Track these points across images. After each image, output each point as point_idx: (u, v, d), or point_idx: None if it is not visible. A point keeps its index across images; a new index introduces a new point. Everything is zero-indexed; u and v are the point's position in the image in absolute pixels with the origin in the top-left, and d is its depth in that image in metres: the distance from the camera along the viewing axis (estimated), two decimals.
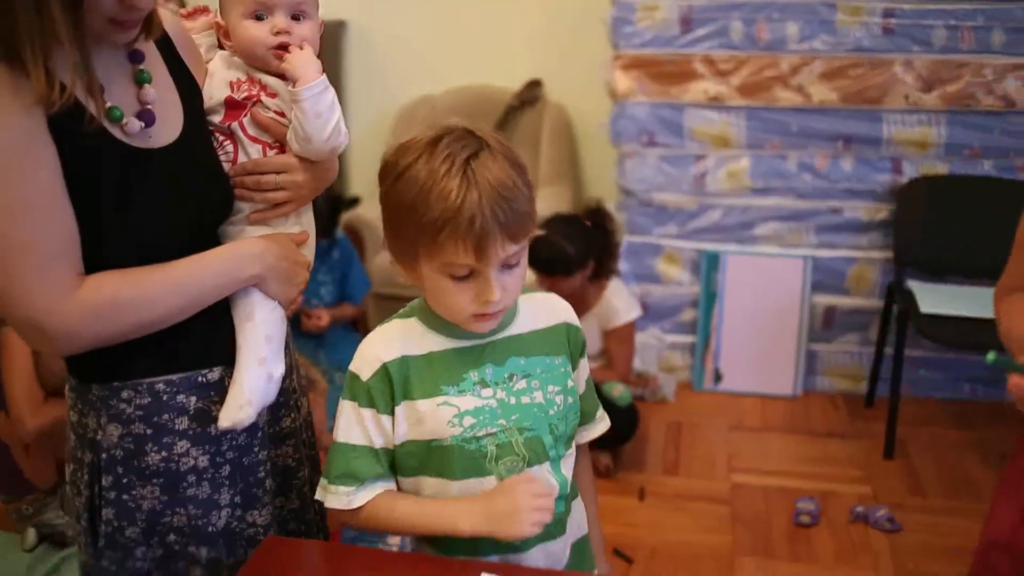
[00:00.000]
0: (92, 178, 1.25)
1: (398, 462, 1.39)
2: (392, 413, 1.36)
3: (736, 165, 3.86)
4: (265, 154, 1.45)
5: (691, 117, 3.83)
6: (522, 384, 1.38)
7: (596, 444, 3.29)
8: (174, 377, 1.39)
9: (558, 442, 1.41)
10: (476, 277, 1.28)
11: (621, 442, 3.39)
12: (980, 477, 3.31)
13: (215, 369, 1.42)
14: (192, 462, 1.41)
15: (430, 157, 1.25)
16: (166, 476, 1.40)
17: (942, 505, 3.15)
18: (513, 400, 1.37)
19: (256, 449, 1.49)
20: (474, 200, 1.22)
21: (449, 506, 1.34)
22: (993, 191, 3.66)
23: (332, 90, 1.43)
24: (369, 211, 4.25)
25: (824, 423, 3.71)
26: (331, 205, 3.51)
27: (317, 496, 1.40)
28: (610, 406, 3.41)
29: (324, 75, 1.42)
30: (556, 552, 1.43)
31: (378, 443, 1.36)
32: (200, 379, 1.41)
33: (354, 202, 4.36)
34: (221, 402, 1.40)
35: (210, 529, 1.44)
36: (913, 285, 3.59)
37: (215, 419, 1.40)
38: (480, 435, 1.34)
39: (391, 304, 4.14)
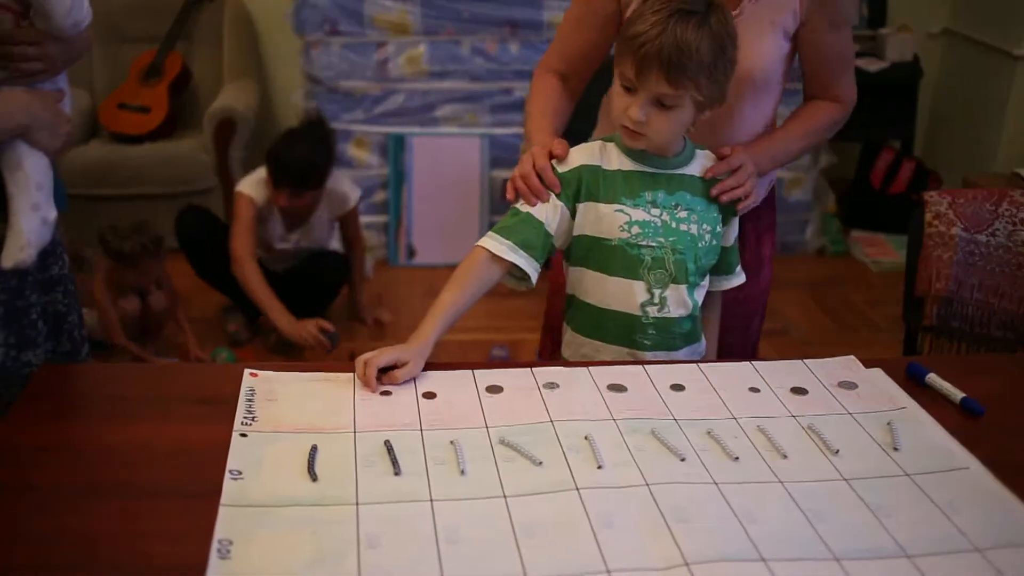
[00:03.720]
0: None
1: (571, 252, 1.69)
2: (571, 208, 1.65)
3: (415, 51, 4.13)
4: (18, 24, 1.51)
5: (370, 5, 4.04)
6: (683, 214, 1.65)
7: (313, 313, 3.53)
8: None
9: (697, 271, 1.68)
10: (633, 94, 1.55)
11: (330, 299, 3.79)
12: None
13: None
14: None
15: None
16: None
17: None
18: (674, 224, 1.64)
19: (27, 293, 1.60)
20: (652, 36, 1.49)
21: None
22: None
23: None
24: None
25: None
26: None
27: (480, 241, 1.63)
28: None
29: None
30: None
31: (543, 218, 1.63)
32: None
33: None
34: None
35: None
36: None
37: None
38: (642, 244, 1.62)
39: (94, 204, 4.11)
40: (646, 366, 1.59)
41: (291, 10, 4.08)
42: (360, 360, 1.49)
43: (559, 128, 1.85)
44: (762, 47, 1.79)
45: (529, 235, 1.63)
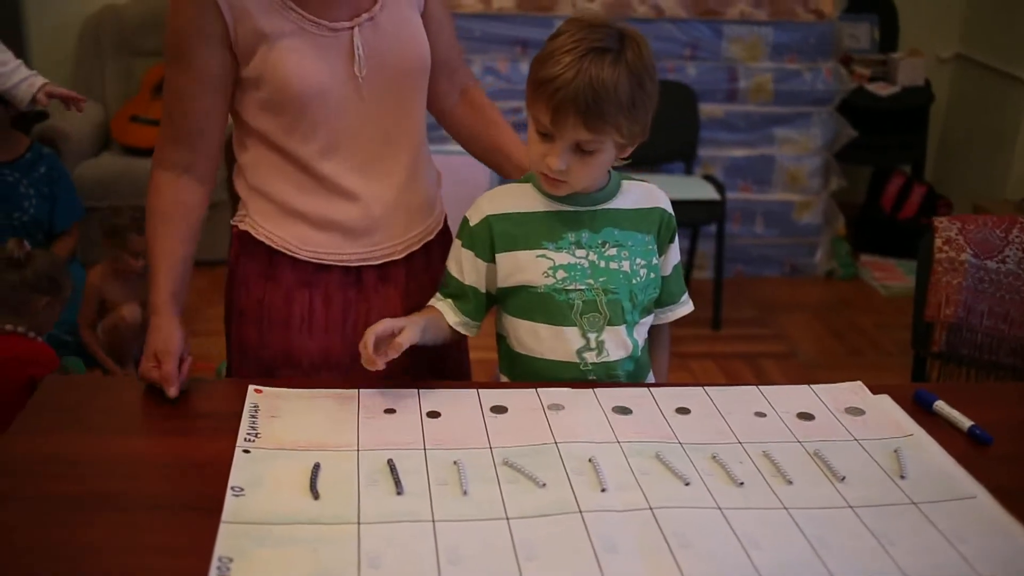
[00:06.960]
0: None
1: (502, 303, 1.62)
2: (491, 260, 1.58)
3: None
4: None
5: None
6: (612, 252, 1.56)
7: None
8: None
9: (635, 309, 1.58)
10: (551, 141, 1.46)
11: None
12: None
13: None
14: None
15: (573, 34, 1.44)
16: None
17: None
18: (603, 264, 1.55)
19: None
20: (567, 80, 1.40)
21: None
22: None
23: None
24: (62, 122, 4.14)
25: None
26: (18, 122, 3.46)
27: (431, 302, 1.63)
28: None
29: None
30: None
31: (468, 279, 1.59)
32: None
33: (41, 115, 4.24)
34: None
35: None
36: None
37: None
38: (569, 288, 1.54)
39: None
40: (651, 389, 1.58)
41: None
42: (361, 344, 1.46)
43: (186, 272, 1.67)
44: (420, 31, 1.68)
45: (462, 296, 1.61)
